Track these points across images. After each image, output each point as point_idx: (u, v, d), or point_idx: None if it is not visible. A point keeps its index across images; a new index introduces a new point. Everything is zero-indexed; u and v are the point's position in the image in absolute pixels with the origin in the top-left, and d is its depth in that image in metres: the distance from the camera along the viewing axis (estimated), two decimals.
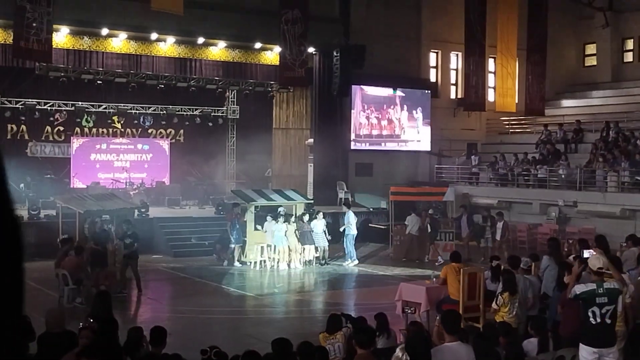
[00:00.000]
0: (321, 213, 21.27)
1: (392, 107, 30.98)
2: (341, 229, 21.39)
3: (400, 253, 22.21)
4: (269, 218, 20.14)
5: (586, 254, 8.95)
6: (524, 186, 27.85)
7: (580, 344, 7.58)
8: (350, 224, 21.12)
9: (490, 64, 33.04)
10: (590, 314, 7.49)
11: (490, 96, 32.73)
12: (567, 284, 9.27)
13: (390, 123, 30.97)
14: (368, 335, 6.83)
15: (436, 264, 21.23)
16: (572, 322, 8.42)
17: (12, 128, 27.38)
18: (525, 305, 10.41)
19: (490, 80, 32.96)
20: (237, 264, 20.02)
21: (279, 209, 21.09)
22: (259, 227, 20.43)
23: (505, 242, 21.70)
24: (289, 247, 20.28)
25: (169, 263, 20.88)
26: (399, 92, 30.97)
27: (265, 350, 6.99)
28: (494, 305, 10.29)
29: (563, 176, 26.69)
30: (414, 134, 31.44)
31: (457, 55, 33.46)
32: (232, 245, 19.97)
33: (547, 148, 28.66)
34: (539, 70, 31.81)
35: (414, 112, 31.37)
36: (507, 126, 33.88)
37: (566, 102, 34.50)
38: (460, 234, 22.33)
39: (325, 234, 20.78)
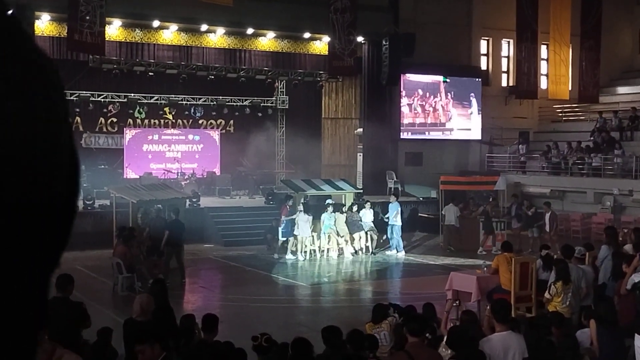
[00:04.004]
0: (369, 203, 21.22)
1: (436, 94, 30.66)
2: (386, 218, 21.26)
3: (447, 243, 22.05)
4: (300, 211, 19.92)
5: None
6: (578, 175, 27.32)
7: (636, 335, 7.43)
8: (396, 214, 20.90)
9: (543, 51, 32.41)
10: None
11: (543, 84, 32.17)
12: (624, 274, 9.12)
13: (435, 111, 30.66)
14: (420, 324, 6.82)
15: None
16: (630, 313, 8.26)
17: None
18: (578, 295, 10.24)
19: (543, 67, 32.36)
20: (288, 254, 20.07)
21: (327, 200, 21.09)
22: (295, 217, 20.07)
23: (555, 233, 21.16)
24: (338, 236, 20.30)
25: (219, 252, 21.12)
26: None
27: (315, 338, 7.02)
28: (546, 294, 10.14)
29: (618, 164, 26.12)
30: (462, 122, 31.08)
31: (508, 42, 32.92)
32: (282, 238, 20.02)
33: (602, 136, 28.07)
34: (593, 56, 31.13)
35: (464, 100, 31.02)
36: (560, 114, 33.26)
37: (621, 89, 33.67)
38: (512, 223, 22.03)
39: (373, 223, 20.73)
